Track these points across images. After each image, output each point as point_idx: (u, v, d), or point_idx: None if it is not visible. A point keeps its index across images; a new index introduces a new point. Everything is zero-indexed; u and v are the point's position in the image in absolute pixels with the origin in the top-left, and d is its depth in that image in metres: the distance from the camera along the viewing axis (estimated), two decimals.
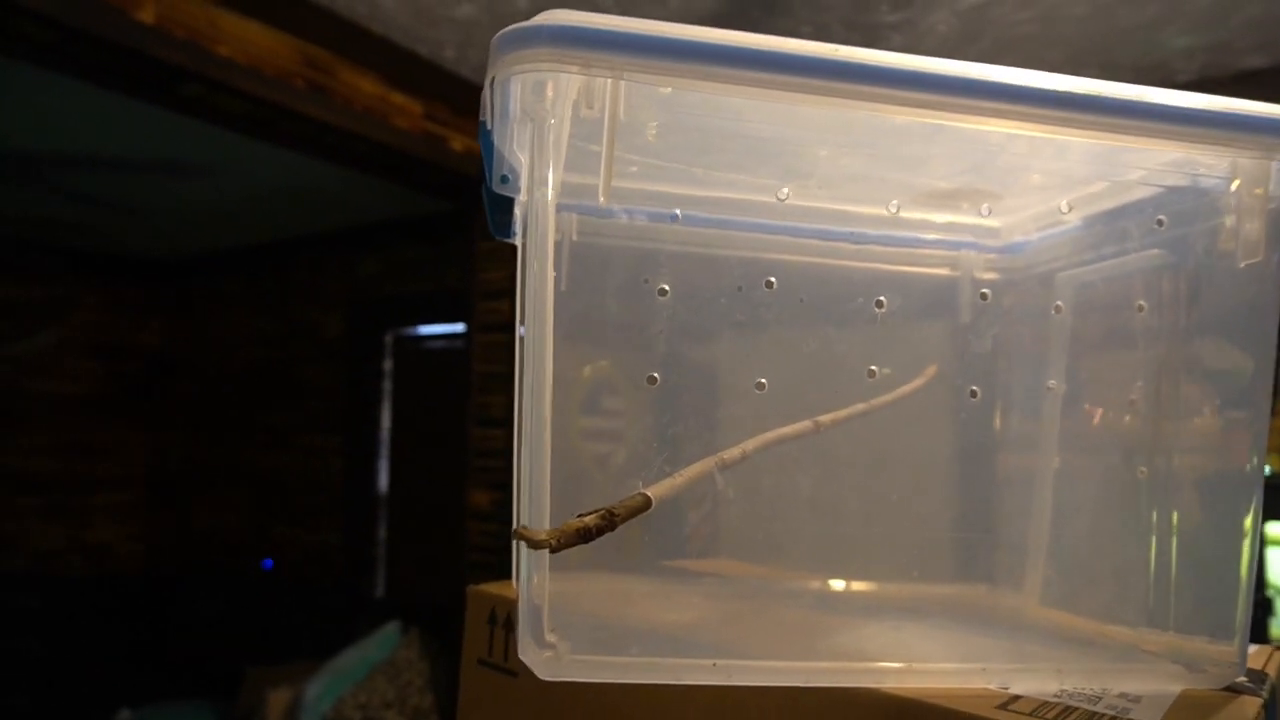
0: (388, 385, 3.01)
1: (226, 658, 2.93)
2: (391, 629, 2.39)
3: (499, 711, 0.48)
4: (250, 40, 1.43)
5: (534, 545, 0.29)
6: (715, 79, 0.32)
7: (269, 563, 3.17)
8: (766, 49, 0.32)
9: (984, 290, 0.47)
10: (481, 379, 2.14)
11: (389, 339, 3.03)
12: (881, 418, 0.45)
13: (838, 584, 0.50)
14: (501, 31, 0.33)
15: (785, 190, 0.47)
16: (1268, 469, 1.48)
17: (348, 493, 3.01)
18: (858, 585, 0.49)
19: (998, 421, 0.51)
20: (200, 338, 3.64)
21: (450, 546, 2.01)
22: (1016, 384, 0.49)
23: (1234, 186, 0.36)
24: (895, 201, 0.45)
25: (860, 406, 0.45)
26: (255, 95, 1.43)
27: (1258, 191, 0.35)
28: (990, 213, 0.51)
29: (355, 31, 1.61)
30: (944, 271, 0.51)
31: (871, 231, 0.49)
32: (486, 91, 0.35)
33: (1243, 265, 0.36)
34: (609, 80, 0.33)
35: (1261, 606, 1.26)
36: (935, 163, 0.44)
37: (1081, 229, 0.48)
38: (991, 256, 0.52)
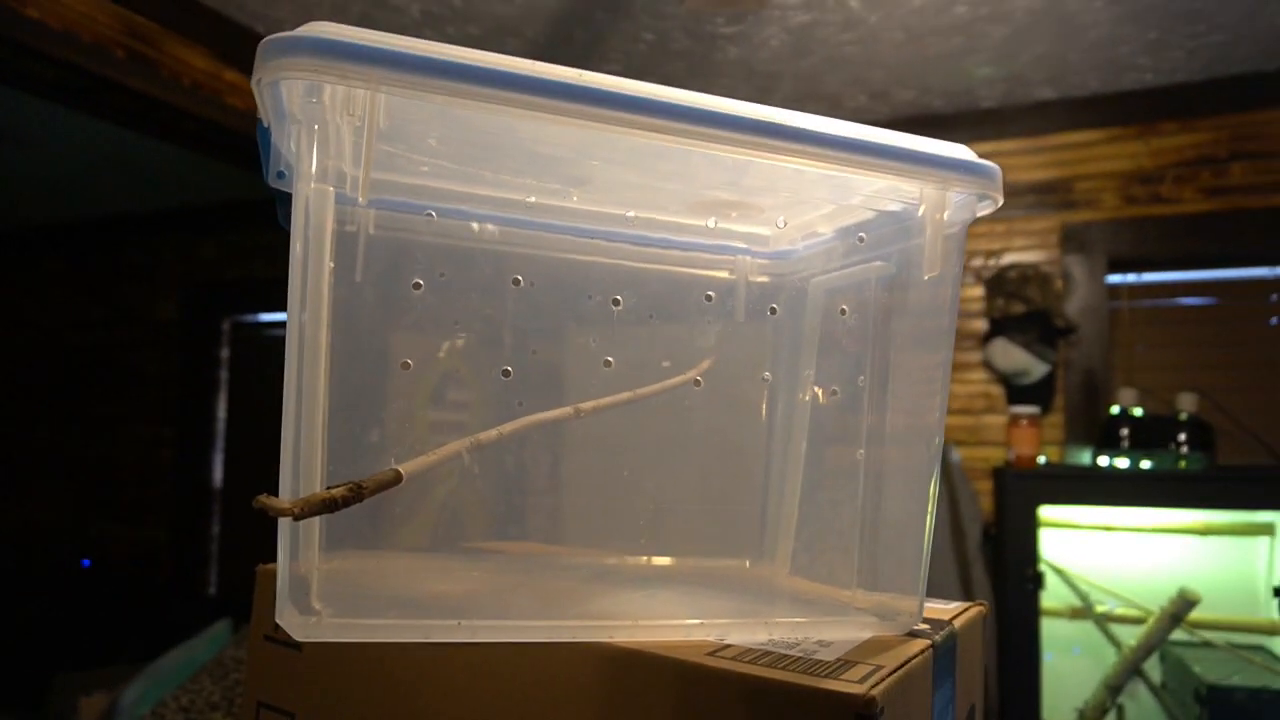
0: (224, 374, 2.88)
1: (37, 665, 2.72)
2: (222, 628, 2.30)
3: (285, 685, 0.50)
4: (63, 3, 1.35)
5: (277, 514, 0.31)
6: (463, 95, 0.35)
7: (87, 562, 2.97)
8: (505, 69, 0.35)
9: (710, 293, 0.53)
10: None
11: (227, 325, 2.90)
12: (644, 406, 0.50)
13: (616, 560, 0.54)
14: (269, 37, 0.35)
15: (574, 196, 0.51)
16: (1043, 459, 1.67)
17: (178, 486, 2.87)
18: (635, 561, 0.54)
19: (763, 411, 0.57)
20: (10, 319, 3.36)
21: None
22: (776, 379, 0.55)
23: (921, 211, 0.43)
24: (633, 212, 0.49)
25: (625, 395, 0.49)
26: (69, 62, 1.35)
27: (938, 216, 0.42)
28: (756, 222, 0.57)
29: (184, 3, 1.54)
30: (722, 274, 0.57)
31: (648, 234, 0.54)
32: (256, 93, 0.37)
33: (926, 278, 0.43)
34: (367, 91, 0.35)
35: (1034, 581, 1.41)
36: (697, 176, 0.49)
37: (833, 240, 0.55)
38: (764, 262, 0.58)
